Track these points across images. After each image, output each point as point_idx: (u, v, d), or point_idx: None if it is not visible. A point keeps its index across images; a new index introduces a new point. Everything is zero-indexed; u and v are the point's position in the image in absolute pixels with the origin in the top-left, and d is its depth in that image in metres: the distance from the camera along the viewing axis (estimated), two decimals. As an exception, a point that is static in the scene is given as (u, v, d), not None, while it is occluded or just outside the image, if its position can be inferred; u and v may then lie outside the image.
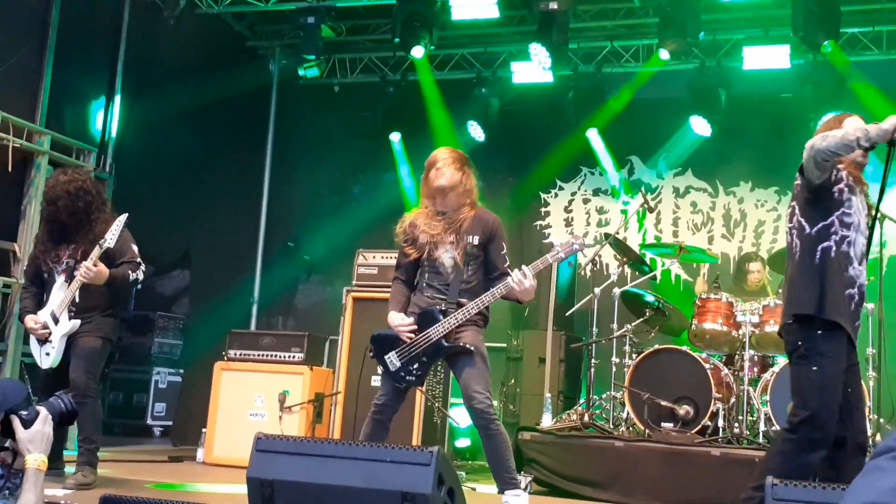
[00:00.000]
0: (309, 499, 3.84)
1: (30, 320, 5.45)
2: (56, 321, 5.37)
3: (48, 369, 5.44)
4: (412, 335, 4.68)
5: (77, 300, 5.38)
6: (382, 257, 7.39)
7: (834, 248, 4.15)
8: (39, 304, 5.51)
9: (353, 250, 7.65)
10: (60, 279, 5.42)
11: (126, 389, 9.53)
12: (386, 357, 4.72)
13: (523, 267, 4.60)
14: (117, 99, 8.60)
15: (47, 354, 5.39)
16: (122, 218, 5.33)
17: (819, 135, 4.07)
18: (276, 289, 10.26)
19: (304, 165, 10.39)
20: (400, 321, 4.71)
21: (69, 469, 5.42)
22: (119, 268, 5.36)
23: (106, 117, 8.55)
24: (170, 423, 9.60)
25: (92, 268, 5.17)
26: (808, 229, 4.21)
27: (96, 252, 5.23)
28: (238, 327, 8.19)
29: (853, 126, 4.00)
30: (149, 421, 9.70)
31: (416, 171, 9.92)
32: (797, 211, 4.28)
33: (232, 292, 9.72)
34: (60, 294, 5.39)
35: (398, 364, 4.69)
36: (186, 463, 7.26)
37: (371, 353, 4.82)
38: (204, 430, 7.34)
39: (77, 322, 5.37)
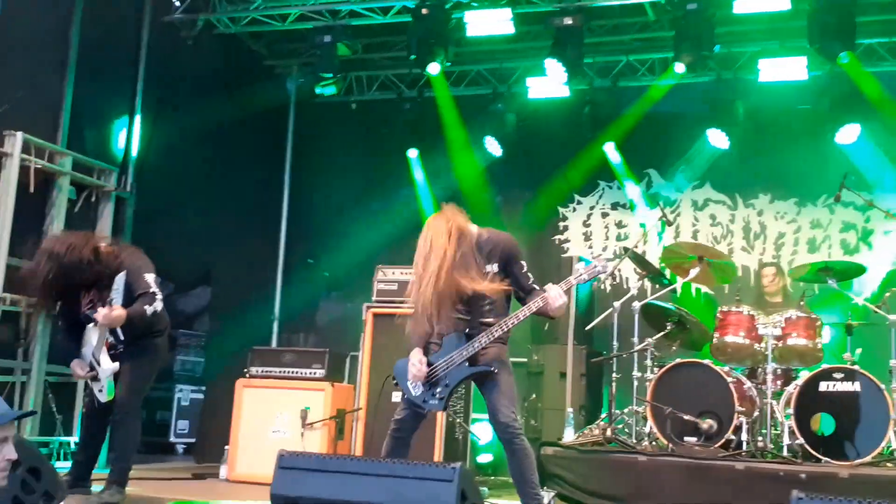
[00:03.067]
0: (334, 516, 3.85)
1: (76, 366, 5.44)
2: (98, 363, 5.37)
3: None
4: (418, 374, 4.68)
5: (121, 336, 5.39)
6: (402, 273, 7.39)
7: None
8: (79, 343, 5.46)
9: (373, 266, 7.67)
10: (91, 323, 5.39)
11: (149, 407, 9.54)
12: (409, 383, 4.74)
13: (554, 286, 4.60)
14: (137, 119, 8.66)
15: (100, 391, 5.41)
16: (122, 276, 5.24)
17: None
18: (297, 305, 10.28)
19: (322, 182, 10.41)
20: (415, 363, 4.70)
21: (96, 487, 5.43)
22: (135, 304, 5.29)
23: (127, 137, 8.60)
24: (193, 440, 9.63)
25: (109, 314, 5.16)
26: None
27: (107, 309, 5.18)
28: (259, 344, 8.22)
29: None
30: (172, 438, 9.73)
31: (433, 186, 9.94)
32: None
33: (253, 309, 9.76)
34: (95, 335, 5.38)
35: (420, 389, 4.70)
36: (210, 480, 7.28)
37: (395, 382, 4.86)
38: (227, 447, 7.36)
39: (116, 365, 5.35)
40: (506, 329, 4.67)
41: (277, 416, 7.24)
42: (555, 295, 4.57)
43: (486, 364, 4.66)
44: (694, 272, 6.98)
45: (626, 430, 6.86)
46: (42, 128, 7.67)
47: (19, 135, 7.28)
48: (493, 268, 4.74)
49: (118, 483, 5.31)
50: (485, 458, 8.22)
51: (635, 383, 6.76)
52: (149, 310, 5.30)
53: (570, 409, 7.17)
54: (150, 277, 5.40)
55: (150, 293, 5.34)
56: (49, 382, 7.63)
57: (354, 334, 7.84)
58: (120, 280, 5.22)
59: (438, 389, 4.69)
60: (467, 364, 4.66)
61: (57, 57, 7.94)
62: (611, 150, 9.50)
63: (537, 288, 4.73)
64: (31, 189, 7.37)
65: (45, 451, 7.10)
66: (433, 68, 8.79)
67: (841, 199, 7.05)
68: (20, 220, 7.29)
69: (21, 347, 7.51)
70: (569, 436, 6.85)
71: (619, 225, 9.64)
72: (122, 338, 5.38)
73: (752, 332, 6.62)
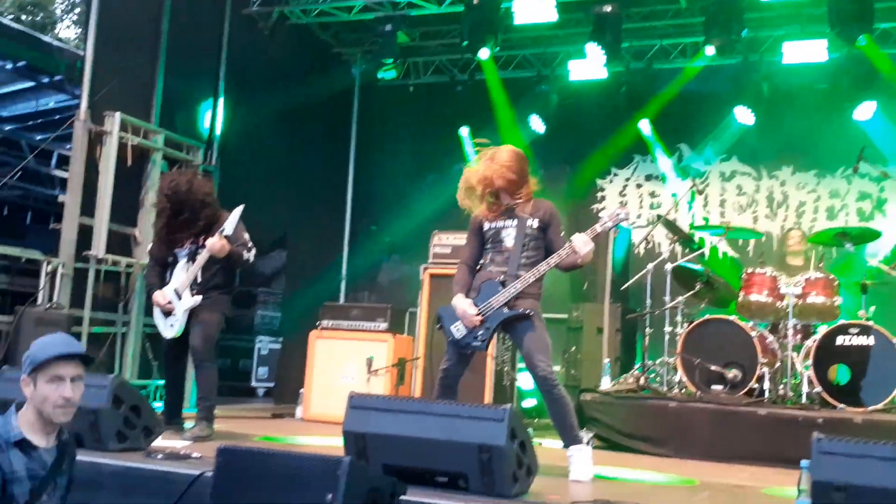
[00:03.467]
0: (397, 449, 3.89)
1: (158, 295, 5.55)
2: (179, 297, 5.48)
3: (171, 339, 5.57)
4: (474, 318, 4.64)
5: (199, 280, 5.49)
6: (455, 238, 7.38)
7: None
8: (163, 281, 5.62)
9: (429, 232, 7.68)
10: (183, 261, 5.53)
11: (233, 356, 9.73)
12: (452, 327, 4.71)
13: (580, 234, 4.55)
14: (221, 101, 8.71)
15: (171, 326, 5.51)
16: (239, 209, 5.42)
17: None
18: (362, 267, 10.35)
19: (383, 158, 10.42)
20: (466, 308, 4.66)
21: (188, 424, 5.56)
22: (236, 248, 5.46)
23: (212, 117, 8.67)
24: (271, 384, 9.79)
25: (218, 240, 5.31)
26: None
27: (217, 236, 5.35)
28: (329, 300, 8.26)
29: None
30: (253, 383, 9.89)
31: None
32: None
33: (323, 270, 9.87)
34: (183, 274, 5.49)
35: (464, 332, 4.67)
36: (287, 419, 7.40)
37: (439, 326, 4.82)
38: (302, 390, 7.46)
39: (199, 298, 5.46)
40: (538, 275, 4.62)
41: (346, 363, 7.32)
42: (580, 242, 4.51)
43: (523, 310, 4.62)
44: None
45: (658, 379, 6.84)
46: (137, 108, 7.74)
47: (117, 115, 7.38)
48: (535, 223, 4.71)
49: (206, 419, 5.41)
50: (529, 402, 8.22)
51: (667, 337, 6.76)
52: (245, 255, 5.48)
53: (606, 360, 7.16)
54: (247, 235, 5.58)
55: (249, 245, 5.54)
56: (146, 333, 7.78)
57: (413, 292, 7.87)
58: (236, 213, 5.37)
59: (480, 332, 4.65)
60: (505, 308, 4.62)
61: (149, 46, 8.01)
62: (645, 127, 9.39)
63: None
64: (129, 163, 7.48)
65: (144, 392, 7.26)
66: (483, 53, 8.73)
67: (858, 170, 6.90)
68: (119, 191, 7.40)
69: (122, 302, 7.67)
70: (605, 384, 6.85)
71: (653, 195, 9.54)
72: (198, 280, 5.48)
73: (775, 291, 6.55)
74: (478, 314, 4.64)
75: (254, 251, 5.57)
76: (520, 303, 4.64)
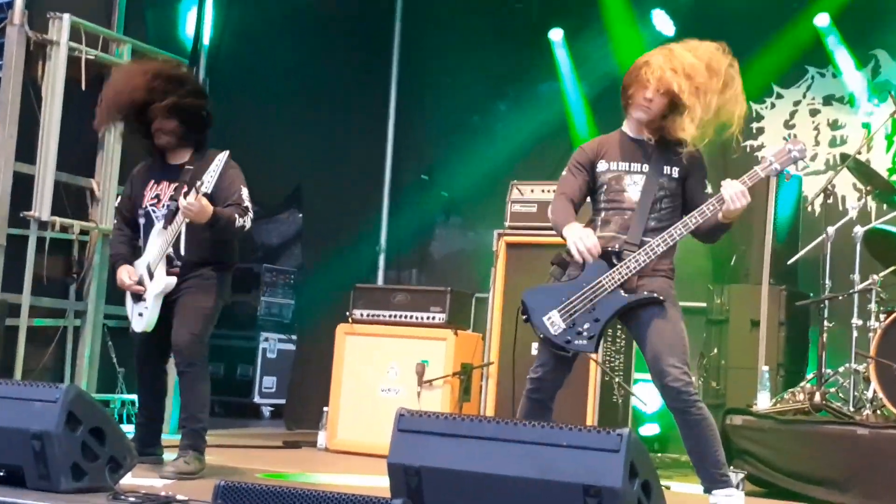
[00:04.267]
0: (465, 491, 3.89)
1: (123, 272, 5.65)
2: (151, 275, 5.55)
3: (142, 333, 5.66)
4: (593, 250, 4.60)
5: (182, 252, 5.55)
6: (543, 191, 7.38)
7: None
8: (135, 251, 5.71)
9: (504, 183, 7.70)
10: (159, 224, 5.59)
11: (228, 360, 9.87)
12: (545, 318, 4.68)
13: (733, 181, 4.50)
14: (209, -1, 8.79)
15: (140, 315, 5.60)
16: (222, 156, 5.42)
17: None
18: (408, 234, 10.36)
19: (439, 78, 10.41)
20: (584, 235, 4.58)
21: (169, 455, 5.65)
22: (226, 208, 5.48)
23: (198, 20, 8.72)
24: (282, 401, 9.94)
25: (194, 202, 5.27)
26: None
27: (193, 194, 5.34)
28: (362, 282, 8.32)
29: None
30: (256, 399, 10.05)
31: (582, 79, 9.78)
32: None
33: (354, 239, 9.89)
34: (159, 241, 5.57)
35: (562, 325, 4.64)
36: (305, 449, 7.52)
37: (525, 318, 4.79)
38: (325, 409, 7.57)
39: (173, 280, 5.53)
40: (670, 242, 4.60)
41: (388, 370, 7.41)
42: (733, 193, 4.47)
43: (651, 293, 4.61)
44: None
45: (841, 394, 6.80)
46: (94, 10, 7.88)
47: (66, 17, 7.45)
48: (673, 171, 4.72)
49: (194, 448, 5.49)
50: (650, 429, 8.23)
51: (855, 334, 6.66)
52: (239, 221, 5.47)
53: (764, 368, 7.10)
54: (245, 192, 5.60)
55: (244, 206, 5.54)
56: (108, 327, 7.93)
57: (481, 270, 7.92)
58: (219, 160, 5.37)
59: (586, 326, 4.62)
60: (622, 292, 4.60)
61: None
62: (824, 25, 9.18)
63: None
64: (83, 86, 7.56)
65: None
66: (584, -79, 8.64)
67: None
68: (70, 126, 7.47)
69: (74, 284, 7.80)
70: (763, 402, 6.81)
71: (834, 125, 9.35)
72: (182, 253, 5.56)
73: None
74: (568, 303, 4.61)
75: (250, 216, 5.57)
76: (644, 283, 4.63)
